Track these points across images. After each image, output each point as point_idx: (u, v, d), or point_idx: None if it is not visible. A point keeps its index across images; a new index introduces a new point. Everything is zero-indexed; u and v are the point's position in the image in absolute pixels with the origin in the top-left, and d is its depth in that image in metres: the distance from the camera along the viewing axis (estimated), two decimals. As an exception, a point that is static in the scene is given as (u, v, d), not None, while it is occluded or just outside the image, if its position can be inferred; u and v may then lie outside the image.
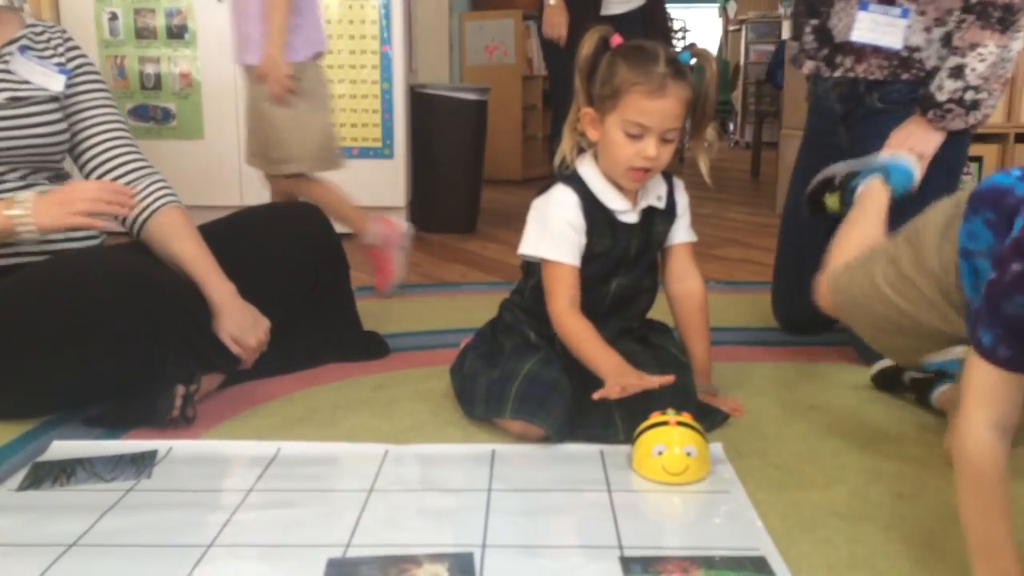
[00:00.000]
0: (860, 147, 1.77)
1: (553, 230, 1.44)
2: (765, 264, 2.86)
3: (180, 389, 1.41)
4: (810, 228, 1.85)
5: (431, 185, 3.49)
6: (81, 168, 1.66)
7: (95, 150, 1.63)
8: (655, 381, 1.32)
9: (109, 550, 1.05)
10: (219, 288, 1.58)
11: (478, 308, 1.70)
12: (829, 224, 1.85)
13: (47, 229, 1.40)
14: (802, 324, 1.99)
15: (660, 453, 1.25)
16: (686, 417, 1.29)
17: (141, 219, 1.62)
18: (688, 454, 1.25)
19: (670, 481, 1.24)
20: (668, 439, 1.26)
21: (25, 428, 1.43)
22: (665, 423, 1.28)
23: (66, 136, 1.60)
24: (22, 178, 1.53)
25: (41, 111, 1.55)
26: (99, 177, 1.64)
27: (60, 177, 1.62)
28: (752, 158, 5.83)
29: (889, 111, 1.78)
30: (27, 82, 1.55)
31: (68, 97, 1.61)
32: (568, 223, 1.44)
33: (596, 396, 1.34)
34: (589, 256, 1.47)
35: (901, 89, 1.78)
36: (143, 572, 1.00)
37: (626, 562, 1.04)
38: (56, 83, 1.58)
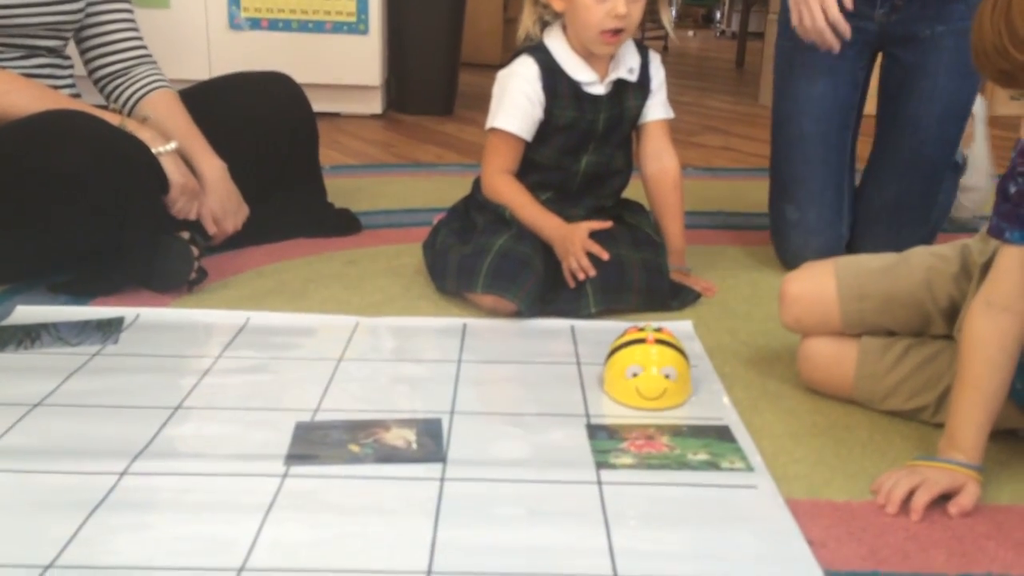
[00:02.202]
0: (904, 30, 1.57)
1: (507, 100, 1.43)
2: (744, 152, 2.83)
3: (195, 250, 1.41)
4: (840, 143, 1.64)
5: (407, 65, 3.38)
6: (80, 43, 1.61)
7: (101, 28, 1.59)
8: (593, 227, 1.38)
9: (76, 410, 1.05)
10: (211, 164, 1.57)
11: (453, 188, 1.67)
12: (855, 129, 1.67)
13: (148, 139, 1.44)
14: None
15: (635, 375, 1.10)
16: (666, 334, 1.14)
17: (133, 100, 1.60)
18: (666, 376, 1.10)
19: (644, 407, 1.10)
20: (644, 359, 1.10)
21: (-12, 294, 1.41)
22: (642, 340, 1.13)
23: (83, 14, 1.56)
24: (23, 57, 1.48)
25: None
26: (96, 58, 1.61)
27: (61, 55, 1.56)
28: (737, 48, 5.69)
29: None
30: None
31: None
32: (524, 94, 1.42)
33: (571, 283, 1.38)
34: (553, 129, 1.44)
35: None
36: (111, 430, 1.00)
37: (592, 429, 1.05)
38: None
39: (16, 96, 1.39)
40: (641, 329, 1.15)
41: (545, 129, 1.45)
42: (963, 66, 1.56)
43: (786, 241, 1.68)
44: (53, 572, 0.76)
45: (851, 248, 1.67)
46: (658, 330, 1.15)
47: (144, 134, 1.44)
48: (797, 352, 1.16)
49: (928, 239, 1.66)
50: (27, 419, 1.02)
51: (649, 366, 1.10)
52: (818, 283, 1.11)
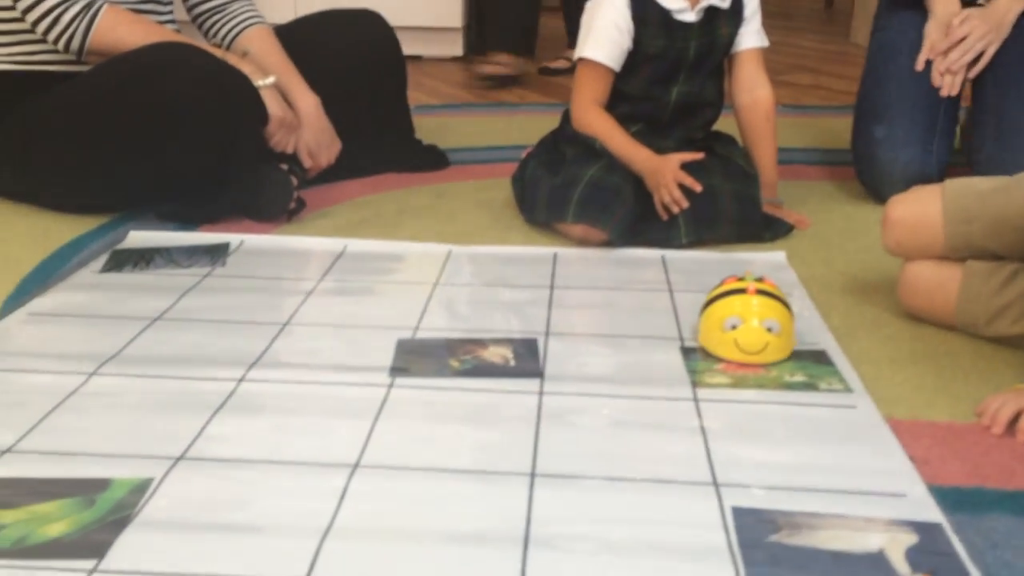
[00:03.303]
0: None
1: (596, 29, 1.42)
2: (835, 91, 2.75)
3: (294, 181, 1.46)
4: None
5: (488, 6, 3.36)
6: None
7: None
8: (685, 158, 1.37)
9: (192, 324, 1.11)
10: (307, 98, 1.61)
11: (538, 127, 1.67)
12: None
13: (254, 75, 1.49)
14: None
15: (734, 327, 1.02)
16: (767, 284, 1.05)
17: (230, 36, 1.64)
18: (768, 329, 1.01)
19: (744, 360, 1.02)
20: (745, 311, 1.02)
21: (101, 221, 1.47)
22: (742, 291, 1.04)
23: None
24: (135, 4, 1.53)
25: None
26: None
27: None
28: (826, -13, 5.48)
29: None
30: None
31: None
32: (613, 22, 1.41)
33: (664, 216, 1.38)
34: (643, 58, 1.43)
35: None
36: (226, 342, 1.06)
37: (687, 351, 1.06)
38: None
39: (125, 30, 1.44)
40: (741, 278, 1.06)
41: (634, 59, 1.44)
42: None
43: (873, 160, 1.62)
44: (184, 463, 0.82)
45: (982, 166, 1.58)
46: (759, 280, 1.06)
47: (245, 68, 1.48)
48: (898, 277, 1.14)
49: None
50: (149, 331, 1.09)
51: (750, 318, 1.02)
52: (924, 205, 1.09)
